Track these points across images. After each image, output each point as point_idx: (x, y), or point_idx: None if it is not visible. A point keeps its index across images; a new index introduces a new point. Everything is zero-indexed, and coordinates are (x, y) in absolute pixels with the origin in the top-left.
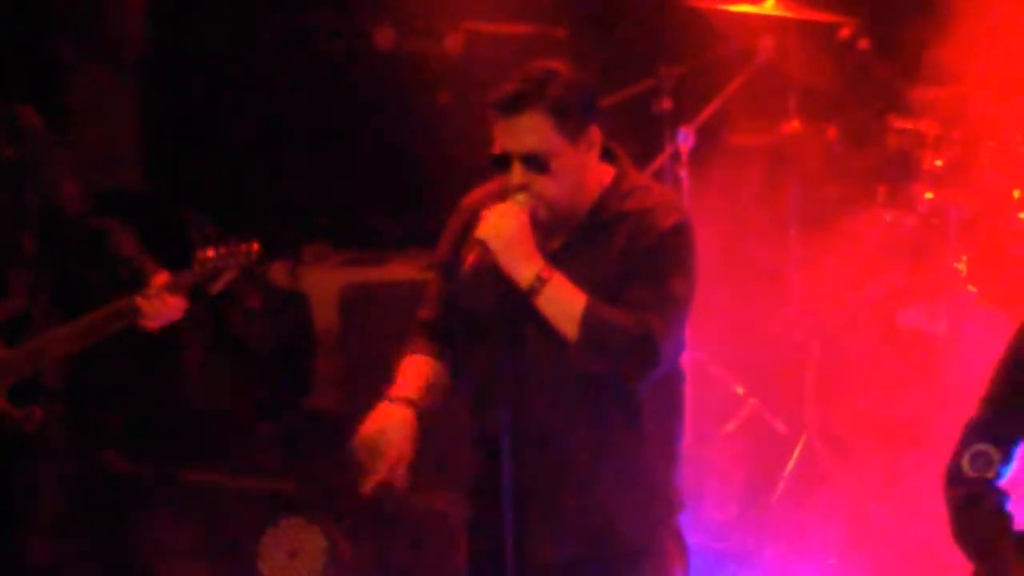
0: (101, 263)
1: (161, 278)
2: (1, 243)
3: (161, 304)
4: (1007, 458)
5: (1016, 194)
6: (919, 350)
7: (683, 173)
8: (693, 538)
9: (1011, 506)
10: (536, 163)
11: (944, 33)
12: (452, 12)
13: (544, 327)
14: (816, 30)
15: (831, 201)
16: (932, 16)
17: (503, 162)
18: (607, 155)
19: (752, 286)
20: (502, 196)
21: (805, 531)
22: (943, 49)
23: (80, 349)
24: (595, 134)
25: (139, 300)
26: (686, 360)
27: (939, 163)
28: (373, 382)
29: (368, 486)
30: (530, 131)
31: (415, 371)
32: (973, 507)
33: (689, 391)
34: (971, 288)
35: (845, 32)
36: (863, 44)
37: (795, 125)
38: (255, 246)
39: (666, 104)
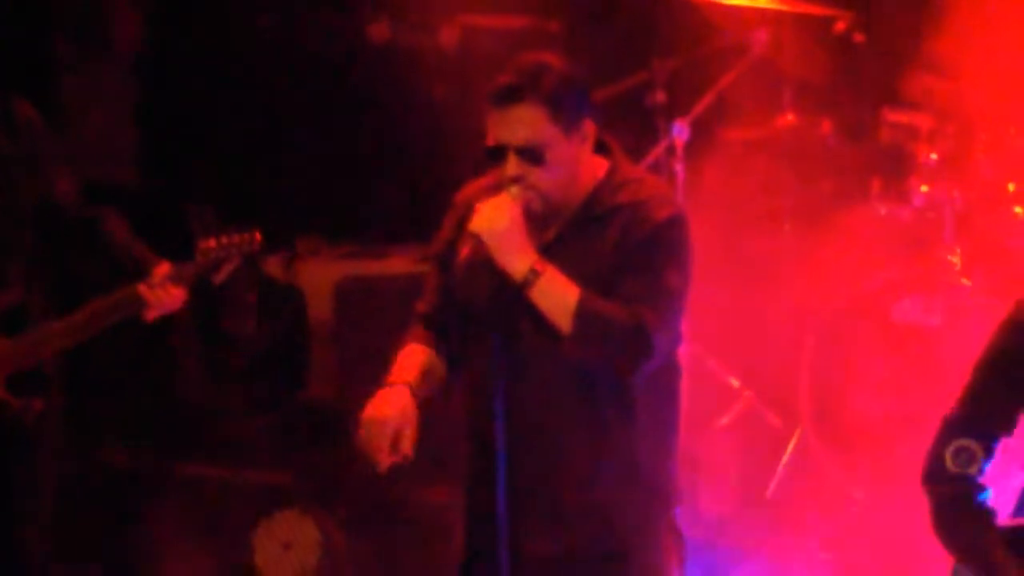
0: (98, 254)
1: (164, 268)
2: None
3: (164, 294)
4: (989, 454)
5: (1011, 187)
6: (914, 343)
7: (678, 166)
8: (688, 531)
9: (992, 500)
10: (531, 154)
11: (938, 27)
12: (447, 6)
13: (538, 320)
14: (811, 23)
15: (826, 194)
16: (926, 10)
17: (497, 154)
18: (601, 148)
19: (747, 279)
20: (496, 190)
21: (800, 524)
22: (937, 43)
23: (80, 340)
24: (589, 127)
25: (142, 290)
26: (681, 353)
27: (934, 156)
28: (368, 375)
29: (383, 466)
30: (525, 122)
31: (412, 359)
32: (957, 504)
33: (684, 384)
34: (965, 281)
35: (840, 26)
36: (858, 38)
37: (789, 118)
38: (257, 235)
39: (660, 97)
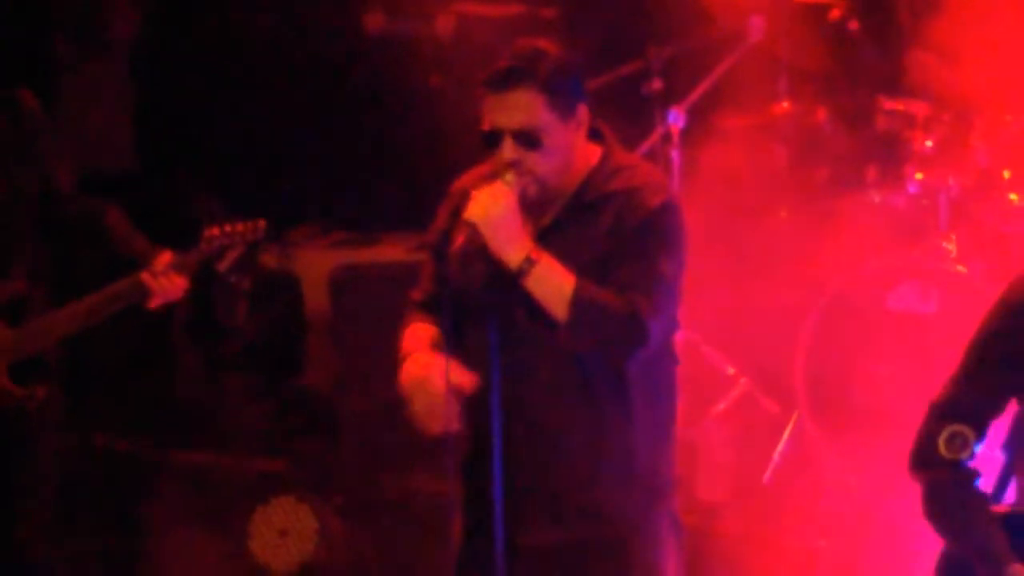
0: (98, 243)
1: (167, 256)
2: (0, 224)
3: (167, 282)
4: (981, 438)
5: (1006, 174)
6: (909, 330)
7: (674, 154)
8: (685, 518)
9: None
10: (527, 139)
11: (934, 14)
12: None
13: (533, 308)
14: (806, 11)
15: (821, 182)
16: None
17: (493, 139)
18: (594, 135)
19: (742, 266)
20: (491, 178)
21: (796, 510)
22: (933, 30)
23: (83, 329)
24: (583, 113)
25: (145, 277)
26: (676, 340)
27: (929, 144)
28: (364, 363)
29: (437, 427)
30: (522, 107)
31: (422, 333)
32: (951, 490)
33: (680, 371)
34: (961, 268)
35: (835, 13)
36: (853, 25)
37: (785, 106)
38: (261, 222)
39: (656, 85)
